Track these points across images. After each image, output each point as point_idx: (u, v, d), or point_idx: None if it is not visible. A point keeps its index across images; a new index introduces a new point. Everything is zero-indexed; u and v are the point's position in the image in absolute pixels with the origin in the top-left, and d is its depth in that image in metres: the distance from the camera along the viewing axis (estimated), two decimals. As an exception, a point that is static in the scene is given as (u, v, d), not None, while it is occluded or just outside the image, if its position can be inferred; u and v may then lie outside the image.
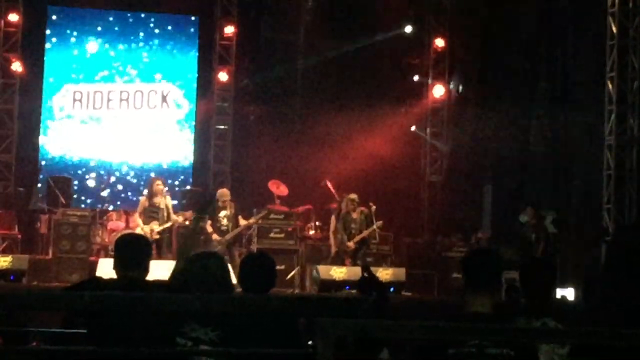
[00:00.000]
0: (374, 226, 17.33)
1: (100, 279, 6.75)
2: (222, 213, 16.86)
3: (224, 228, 16.80)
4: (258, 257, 6.39)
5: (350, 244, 17.11)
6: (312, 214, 19.48)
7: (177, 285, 5.68)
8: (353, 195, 17.42)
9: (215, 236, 16.74)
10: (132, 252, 5.91)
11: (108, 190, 21.17)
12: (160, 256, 16.14)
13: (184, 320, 5.16)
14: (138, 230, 16.33)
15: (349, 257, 17.19)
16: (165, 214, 16.51)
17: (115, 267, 5.91)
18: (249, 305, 4.09)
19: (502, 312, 5.28)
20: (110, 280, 5.98)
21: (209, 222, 16.85)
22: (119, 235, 11.59)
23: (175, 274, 5.82)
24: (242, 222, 17.05)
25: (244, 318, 5.13)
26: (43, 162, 21.40)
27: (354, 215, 17.25)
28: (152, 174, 19.89)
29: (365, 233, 17.24)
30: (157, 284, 5.86)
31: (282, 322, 5.31)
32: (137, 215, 16.74)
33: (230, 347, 4.99)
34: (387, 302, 5.79)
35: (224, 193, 17.22)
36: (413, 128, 22.59)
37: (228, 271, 5.69)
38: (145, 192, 17.24)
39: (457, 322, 4.86)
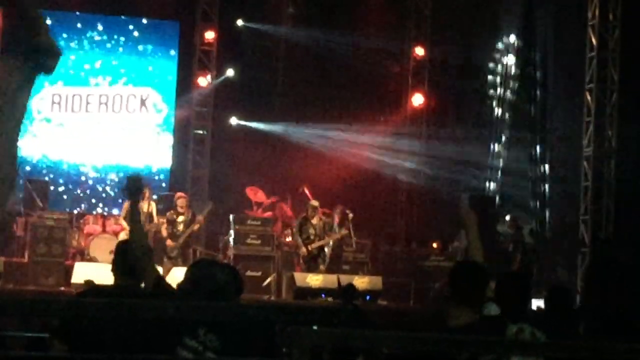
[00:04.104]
0: (337, 234, 17.37)
1: (99, 287, 6.72)
2: (180, 218, 16.79)
3: (179, 233, 16.72)
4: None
5: (304, 250, 17.08)
6: (286, 206, 19.38)
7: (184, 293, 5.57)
8: (314, 202, 17.44)
9: (169, 242, 16.64)
10: (125, 259, 5.85)
11: (85, 194, 21.12)
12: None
13: (197, 325, 5.07)
14: (122, 235, 16.33)
15: (305, 262, 17.14)
16: (149, 218, 16.52)
17: (114, 273, 5.90)
18: (224, 312, 4.07)
19: (487, 323, 5.24)
20: (108, 287, 5.97)
21: (165, 225, 16.75)
22: (118, 241, 11.51)
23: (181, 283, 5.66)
24: (194, 227, 16.97)
25: (235, 325, 5.06)
26: (20, 165, 21.21)
27: (314, 221, 17.23)
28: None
29: (325, 241, 17.23)
30: (149, 291, 5.78)
31: (259, 331, 5.28)
32: (121, 219, 16.71)
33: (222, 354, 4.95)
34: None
35: (183, 199, 17.11)
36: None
37: (236, 279, 5.59)
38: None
39: (442, 334, 4.83)
